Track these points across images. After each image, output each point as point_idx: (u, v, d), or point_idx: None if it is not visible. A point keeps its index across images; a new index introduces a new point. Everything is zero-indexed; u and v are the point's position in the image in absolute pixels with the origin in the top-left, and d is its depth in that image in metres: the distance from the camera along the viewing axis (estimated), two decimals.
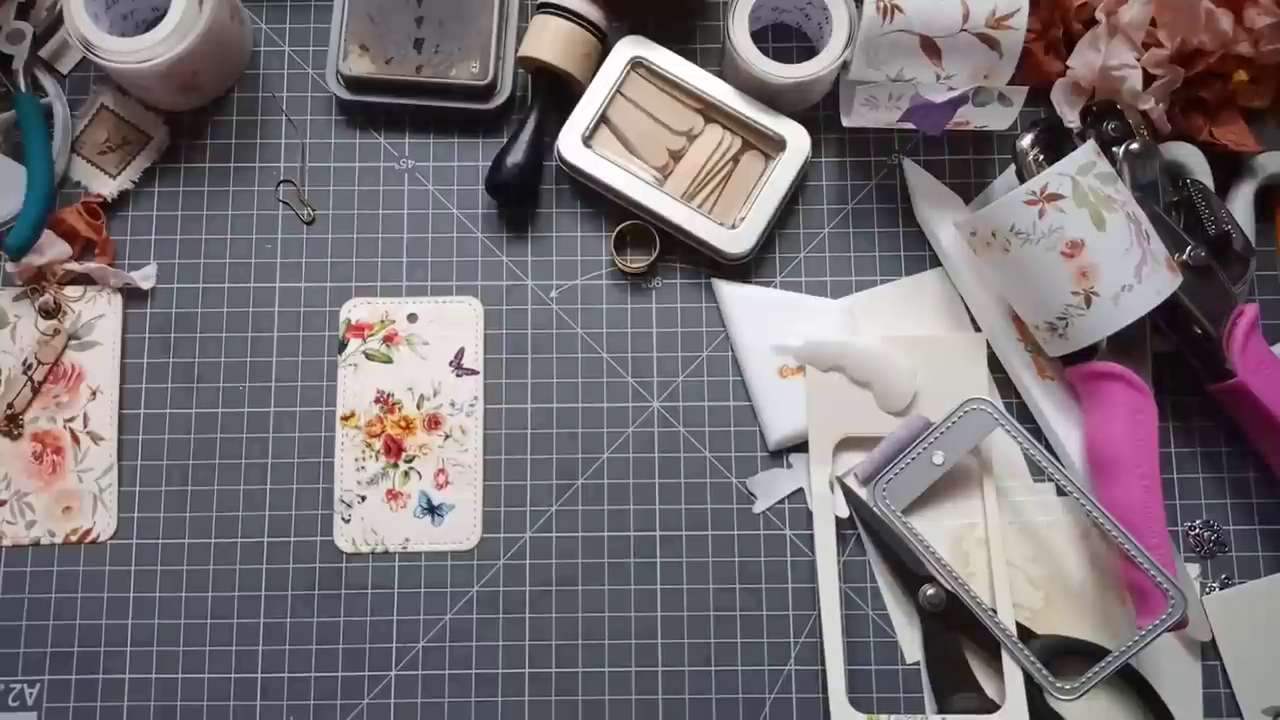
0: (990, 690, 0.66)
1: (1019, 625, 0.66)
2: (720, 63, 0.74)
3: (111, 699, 0.67)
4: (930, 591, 0.66)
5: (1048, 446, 0.70)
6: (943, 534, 0.68)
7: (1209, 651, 0.68)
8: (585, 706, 0.67)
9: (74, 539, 0.69)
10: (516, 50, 0.73)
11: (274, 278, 0.72)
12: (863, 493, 0.68)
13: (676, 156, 0.71)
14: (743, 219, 0.70)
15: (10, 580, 0.69)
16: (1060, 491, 0.68)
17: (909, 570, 0.67)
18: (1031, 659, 0.64)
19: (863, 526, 0.68)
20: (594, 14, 0.71)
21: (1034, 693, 0.65)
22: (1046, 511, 0.69)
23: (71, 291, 0.71)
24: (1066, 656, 0.65)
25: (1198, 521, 0.70)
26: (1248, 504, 0.70)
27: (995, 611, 0.66)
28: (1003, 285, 0.69)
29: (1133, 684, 0.66)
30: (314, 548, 0.69)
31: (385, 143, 0.74)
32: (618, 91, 0.71)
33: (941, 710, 0.66)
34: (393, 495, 0.69)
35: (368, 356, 0.71)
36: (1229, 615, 0.68)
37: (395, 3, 0.72)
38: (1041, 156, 0.68)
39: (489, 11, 0.72)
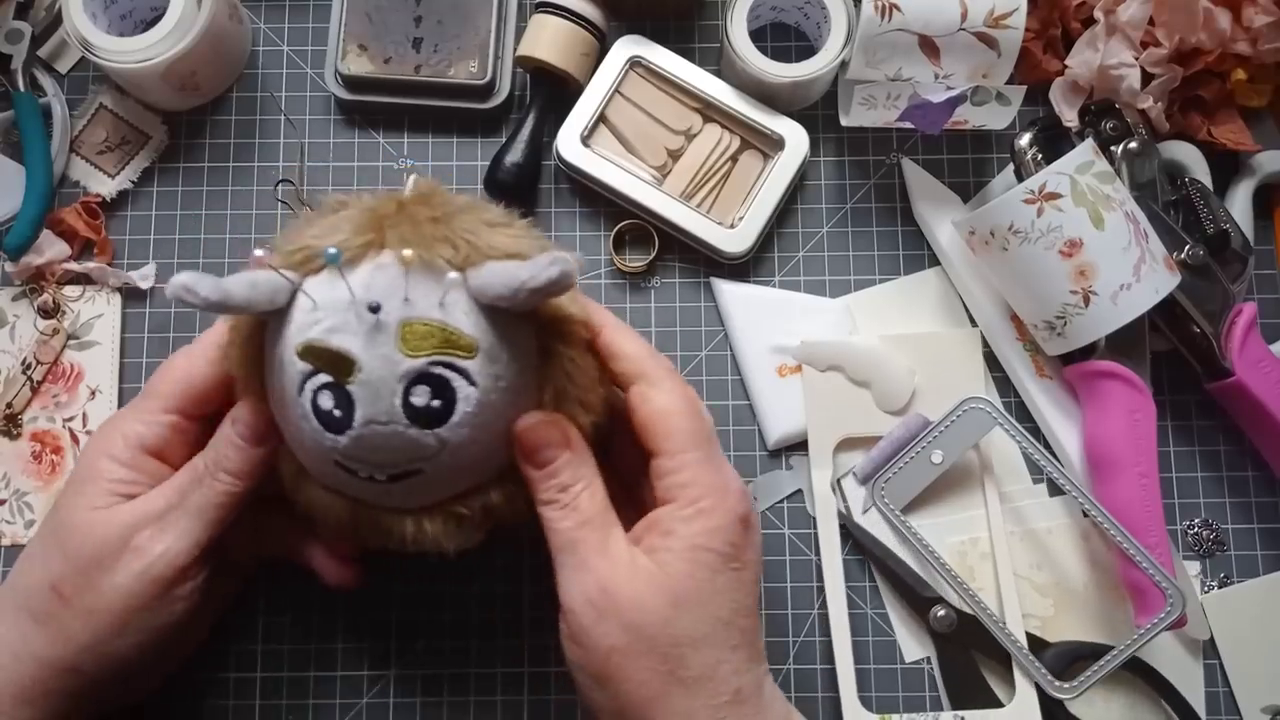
0: (1006, 696, 0.66)
1: (1032, 636, 0.66)
2: (719, 62, 0.74)
3: None
4: (941, 613, 0.66)
5: (1046, 445, 0.70)
6: (946, 550, 0.67)
7: (1208, 650, 0.68)
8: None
9: None
10: (515, 50, 0.73)
11: None
12: (863, 521, 0.68)
13: (675, 156, 0.71)
14: (741, 218, 0.70)
15: None
16: (1058, 490, 0.68)
17: (917, 594, 0.67)
18: (1040, 668, 0.64)
19: (868, 556, 0.68)
20: (593, 13, 0.71)
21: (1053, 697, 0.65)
22: (1048, 517, 0.69)
23: (70, 291, 0.71)
24: (1078, 662, 0.65)
25: (1196, 520, 0.70)
26: (1246, 503, 0.70)
27: (1005, 624, 0.66)
28: (1001, 284, 0.69)
29: (1152, 682, 0.66)
30: None
31: (384, 142, 0.74)
32: (616, 91, 0.71)
33: None
34: None
35: None
36: (1228, 614, 0.68)
37: (394, 2, 0.72)
38: (1040, 155, 0.68)
39: (487, 11, 0.72)
